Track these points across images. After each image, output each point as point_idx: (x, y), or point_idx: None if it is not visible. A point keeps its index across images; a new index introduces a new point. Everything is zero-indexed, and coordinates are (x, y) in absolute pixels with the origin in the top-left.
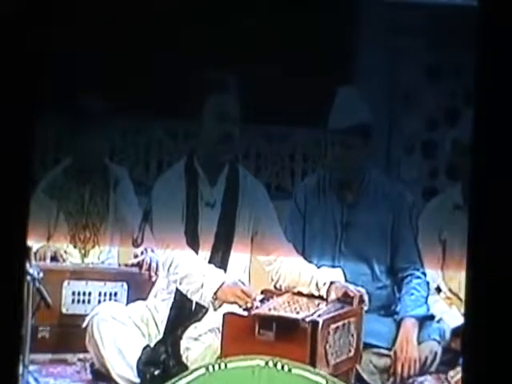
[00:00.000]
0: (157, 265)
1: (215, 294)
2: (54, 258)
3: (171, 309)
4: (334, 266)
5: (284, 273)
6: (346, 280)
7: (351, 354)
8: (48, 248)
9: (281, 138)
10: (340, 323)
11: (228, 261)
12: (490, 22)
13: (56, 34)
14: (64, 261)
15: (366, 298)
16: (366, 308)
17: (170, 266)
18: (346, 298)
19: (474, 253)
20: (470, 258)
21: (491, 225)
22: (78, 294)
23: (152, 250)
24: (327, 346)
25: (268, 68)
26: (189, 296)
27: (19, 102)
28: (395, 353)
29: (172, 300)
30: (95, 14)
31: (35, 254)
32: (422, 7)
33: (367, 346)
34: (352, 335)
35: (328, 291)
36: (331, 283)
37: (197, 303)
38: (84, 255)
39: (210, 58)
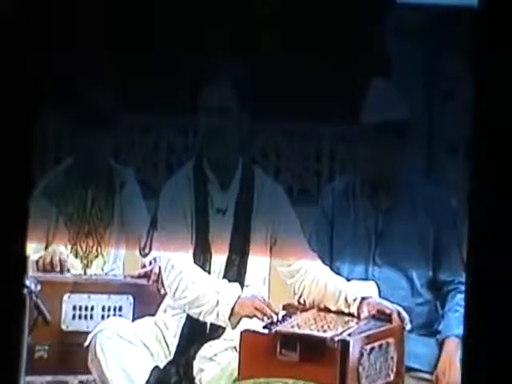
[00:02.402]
0: None
1: (232, 309)
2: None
3: (183, 326)
4: (366, 280)
5: (309, 286)
6: (381, 295)
7: (390, 378)
8: (52, 254)
9: (304, 135)
10: (376, 343)
11: (244, 274)
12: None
13: (59, 30)
14: (63, 272)
15: (405, 315)
16: (408, 327)
17: (177, 290)
18: (381, 316)
19: (475, 254)
20: (469, 258)
21: (492, 226)
22: (80, 308)
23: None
24: (360, 369)
25: (288, 55)
26: (202, 319)
27: (17, 96)
28: (437, 377)
29: (184, 315)
30: (99, 9)
31: (36, 263)
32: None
33: (406, 369)
34: (391, 358)
35: (359, 308)
36: (363, 299)
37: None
38: (86, 266)
39: (220, 48)
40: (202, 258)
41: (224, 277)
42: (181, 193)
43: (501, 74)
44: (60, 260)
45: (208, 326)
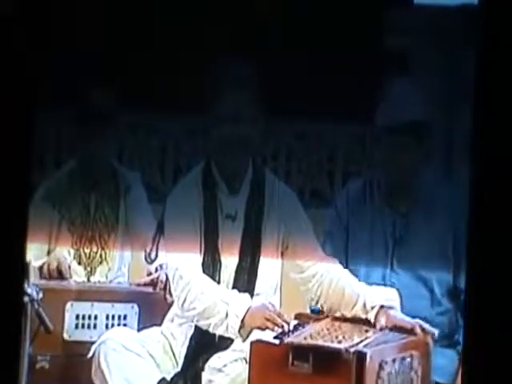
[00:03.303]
0: None
1: (242, 321)
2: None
3: (191, 336)
4: (383, 286)
5: (326, 291)
6: (402, 304)
7: None
8: (57, 261)
9: (316, 135)
10: (398, 355)
11: (255, 282)
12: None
13: (59, 30)
14: (67, 279)
15: (427, 326)
16: (435, 337)
17: (185, 301)
18: (400, 329)
19: (474, 254)
20: (469, 259)
21: (492, 225)
22: (83, 317)
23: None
24: (379, 383)
25: (301, 55)
26: (211, 331)
27: (17, 97)
28: None
29: (192, 325)
30: (103, 6)
31: (40, 270)
32: None
33: None
34: (415, 372)
35: (377, 316)
36: (381, 307)
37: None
38: (90, 273)
39: (232, 49)
40: (211, 266)
41: (234, 285)
42: (189, 197)
43: (501, 74)
44: (64, 266)
45: (217, 336)
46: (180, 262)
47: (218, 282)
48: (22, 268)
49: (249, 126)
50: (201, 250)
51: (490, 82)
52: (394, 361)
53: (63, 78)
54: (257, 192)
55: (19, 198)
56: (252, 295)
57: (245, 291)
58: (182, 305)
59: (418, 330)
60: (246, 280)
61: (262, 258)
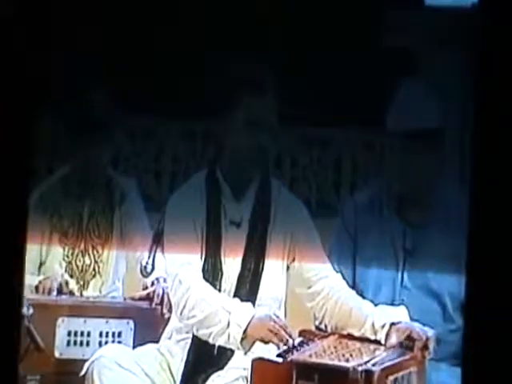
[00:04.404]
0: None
1: (245, 331)
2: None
3: (189, 353)
4: (393, 303)
5: (331, 309)
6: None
7: None
8: (53, 279)
9: (323, 141)
10: (400, 374)
11: (257, 294)
12: None
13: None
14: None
15: (431, 342)
16: (429, 356)
17: (184, 307)
18: (409, 342)
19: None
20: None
21: (492, 227)
22: (75, 334)
23: (165, 280)
24: None
25: (305, 58)
26: (211, 341)
27: (17, 97)
28: None
29: (190, 342)
30: (100, 8)
31: (36, 289)
32: None
33: None
34: None
35: (388, 335)
36: (392, 325)
37: (220, 345)
38: (82, 287)
39: (243, 51)
40: (212, 274)
41: (234, 295)
42: (191, 202)
43: (501, 73)
44: (61, 285)
45: (216, 349)
46: (180, 267)
47: (219, 290)
48: (20, 283)
49: (265, 134)
50: (202, 256)
51: (490, 83)
52: (396, 380)
53: (55, 81)
54: (263, 199)
55: (17, 206)
56: (253, 306)
57: (246, 301)
58: (181, 312)
59: (419, 344)
60: (247, 290)
61: (265, 268)
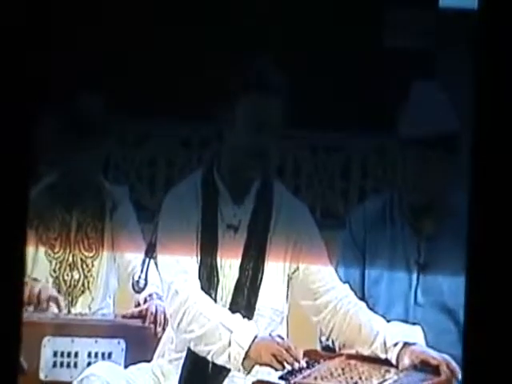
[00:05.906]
0: (165, 316)
1: (247, 353)
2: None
3: (182, 371)
4: (406, 321)
5: (339, 324)
6: (426, 341)
7: None
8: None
9: (330, 147)
10: None
11: (254, 304)
12: None
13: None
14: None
15: (455, 365)
16: (459, 378)
17: (181, 321)
18: (425, 367)
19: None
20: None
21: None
22: (62, 354)
23: (159, 297)
24: None
25: (310, 60)
26: (210, 359)
27: (16, 98)
28: None
29: (183, 361)
30: (98, 10)
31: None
32: None
33: None
34: None
35: (399, 355)
36: (405, 344)
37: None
38: (70, 303)
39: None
40: (208, 281)
41: (231, 304)
42: (185, 204)
43: (501, 73)
44: (50, 299)
45: (210, 371)
46: (175, 275)
47: (216, 298)
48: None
49: (267, 136)
50: (197, 261)
51: (491, 83)
52: None
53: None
54: (263, 202)
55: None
56: (251, 316)
57: (244, 310)
58: (178, 325)
59: (445, 368)
60: (244, 299)
61: (265, 276)
